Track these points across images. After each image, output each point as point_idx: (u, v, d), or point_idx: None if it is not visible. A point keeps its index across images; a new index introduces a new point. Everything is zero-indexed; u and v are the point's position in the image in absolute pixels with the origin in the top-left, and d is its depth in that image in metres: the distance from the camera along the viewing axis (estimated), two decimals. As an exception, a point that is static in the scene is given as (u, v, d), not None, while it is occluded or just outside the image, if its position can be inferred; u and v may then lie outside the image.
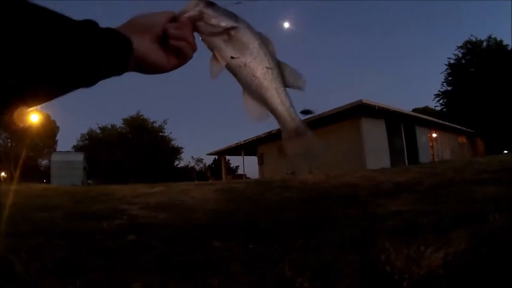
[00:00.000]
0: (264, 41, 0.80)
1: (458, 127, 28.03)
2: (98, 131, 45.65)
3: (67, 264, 3.38)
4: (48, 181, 30.30)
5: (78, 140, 46.71)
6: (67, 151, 39.71)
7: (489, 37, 38.98)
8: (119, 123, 45.85)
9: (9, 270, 2.93)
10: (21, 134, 41.11)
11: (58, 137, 50.33)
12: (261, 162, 27.71)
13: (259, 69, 0.78)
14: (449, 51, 62.77)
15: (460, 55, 40.83)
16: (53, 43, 0.54)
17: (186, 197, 9.00)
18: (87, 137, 45.89)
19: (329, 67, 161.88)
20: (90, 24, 0.62)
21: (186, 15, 0.75)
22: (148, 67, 0.72)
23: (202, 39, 0.78)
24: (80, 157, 33.55)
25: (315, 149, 0.87)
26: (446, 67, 41.87)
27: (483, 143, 33.34)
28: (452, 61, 41.42)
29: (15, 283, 2.76)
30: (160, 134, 46.07)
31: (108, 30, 0.65)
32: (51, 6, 0.57)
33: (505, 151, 26.99)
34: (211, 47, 0.78)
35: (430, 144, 25.35)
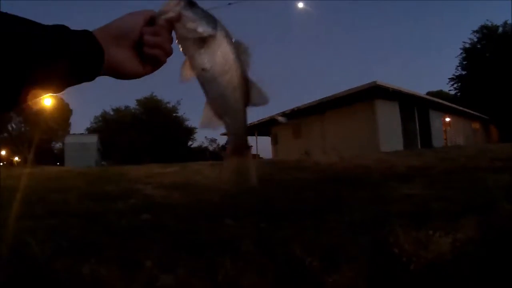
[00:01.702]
0: (241, 50, 0.77)
1: (472, 112, 27.58)
2: (112, 112, 45.95)
3: (82, 243, 3.46)
4: (62, 164, 30.69)
5: (91, 122, 47.07)
6: (80, 134, 40.14)
7: (505, 22, 37.91)
8: (132, 104, 46.03)
9: (26, 250, 3.02)
10: (34, 117, 41.44)
11: (71, 120, 50.73)
12: (274, 143, 27.58)
13: (228, 87, 0.75)
14: (465, 35, 61.55)
15: (476, 39, 39.91)
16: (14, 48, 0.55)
17: (200, 176, 9.06)
18: (101, 119, 46.19)
19: (344, 50, 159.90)
20: (60, 30, 0.62)
21: (164, 16, 0.73)
22: (121, 75, 0.73)
23: (177, 42, 0.75)
24: (94, 139, 33.93)
25: (250, 168, 0.86)
26: (461, 51, 41.07)
27: (497, 130, 32.81)
28: (467, 46, 40.52)
29: (32, 262, 2.83)
30: (174, 114, 46.09)
31: (82, 35, 0.65)
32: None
33: (519, 139, 26.51)
34: (185, 52, 0.75)
35: (444, 129, 25.03)
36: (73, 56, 0.62)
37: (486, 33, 38.97)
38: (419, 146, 20.27)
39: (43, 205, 5.60)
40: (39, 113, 40.15)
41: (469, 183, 5.46)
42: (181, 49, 0.74)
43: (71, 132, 46.96)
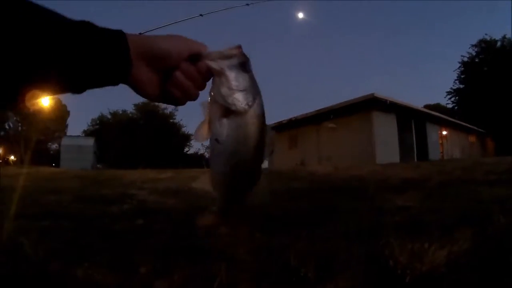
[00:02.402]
0: (267, 138, 0.71)
1: (469, 126, 27.81)
2: (109, 116, 45.99)
3: (75, 246, 3.44)
4: (58, 165, 30.64)
5: (88, 125, 47.08)
6: (77, 136, 40.09)
7: (504, 37, 38.40)
8: (130, 108, 46.11)
9: (19, 251, 3.00)
10: (31, 117, 41.38)
11: (68, 122, 50.70)
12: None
13: (234, 170, 0.69)
14: (464, 49, 62.02)
15: (474, 53, 40.34)
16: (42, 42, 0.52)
17: (195, 183, 8.98)
18: (98, 122, 46.23)
19: (343, 61, 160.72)
20: (88, 29, 0.59)
21: (209, 63, 0.67)
22: (137, 91, 0.68)
23: (208, 96, 0.69)
24: (90, 141, 33.97)
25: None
26: (460, 64, 41.40)
27: (493, 144, 33.03)
28: (465, 59, 40.97)
29: (25, 263, 2.82)
30: (171, 120, 46.21)
31: (113, 39, 0.61)
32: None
33: (515, 153, 26.66)
34: (208, 111, 0.68)
35: (440, 142, 25.21)
36: (96, 61, 0.59)
37: (485, 47, 39.35)
38: (416, 159, 20.41)
39: (37, 206, 5.58)
40: (37, 113, 40.10)
41: (464, 196, 5.46)
42: (206, 106, 0.69)
43: (68, 133, 46.96)
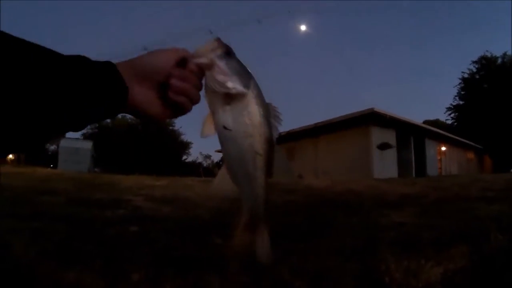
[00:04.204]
0: (271, 114, 0.71)
1: (467, 142, 27.86)
2: (108, 120, 46.04)
3: (67, 249, 3.41)
4: (56, 166, 30.58)
5: (87, 128, 47.03)
6: (76, 138, 40.03)
7: (504, 53, 38.53)
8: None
9: (9, 251, 2.97)
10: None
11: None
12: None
13: (249, 151, 0.69)
14: (464, 65, 62.44)
15: (475, 70, 40.43)
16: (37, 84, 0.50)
17: (191, 192, 9.00)
18: (97, 125, 46.20)
19: (342, 76, 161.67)
20: (83, 64, 0.58)
21: (196, 60, 0.68)
22: (141, 116, 0.68)
23: (205, 91, 0.69)
24: (88, 145, 33.88)
25: (264, 245, 0.76)
26: (460, 81, 41.53)
27: (491, 161, 33.09)
28: (466, 75, 41.02)
29: (14, 264, 2.79)
30: (170, 127, 46.27)
31: (105, 69, 0.60)
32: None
33: (513, 170, 26.72)
34: (209, 105, 0.69)
35: (439, 158, 25.24)
36: (95, 94, 0.58)
37: (485, 63, 39.45)
38: (414, 175, 20.39)
39: (30, 206, 5.53)
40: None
41: (461, 213, 5.45)
42: (206, 100, 0.69)
43: (67, 136, 46.91)
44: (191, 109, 0.71)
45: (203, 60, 0.67)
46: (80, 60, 0.58)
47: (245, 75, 0.69)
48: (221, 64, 0.67)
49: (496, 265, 2.73)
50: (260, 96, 0.70)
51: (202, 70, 0.68)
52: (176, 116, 0.72)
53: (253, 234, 0.75)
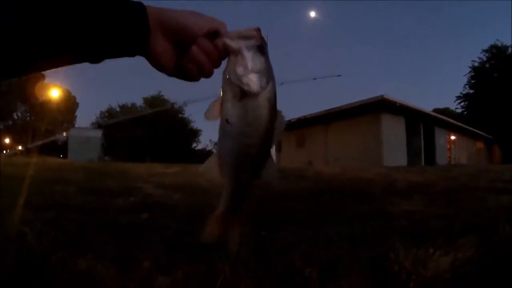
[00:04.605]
0: (278, 121, 0.70)
1: (477, 131, 27.58)
2: (118, 109, 46.10)
3: (79, 238, 3.45)
4: (65, 156, 30.78)
5: (97, 117, 47.20)
6: (85, 127, 40.21)
7: (515, 43, 37.93)
8: (139, 102, 46.21)
9: (23, 241, 3.01)
10: (40, 108, 41.63)
11: (77, 113, 51.02)
12: (278, 150, 27.69)
13: (242, 152, 0.68)
14: (475, 53, 61.44)
15: (485, 58, 39.89)
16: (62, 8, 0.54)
17: (201, 179, 9.01)
18: (107, 114, 46.35)
19: (354, 63, 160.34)
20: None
21: (226, 41, 0.67)
22: (152, 62, 0.68)
23: (222, 74, 0.68)
24: (98, 133, 34.05)
25: (233, 240, 0.78)
26: (470, 69, 41.03)
27: (500, 151, 32.75)
28: (476, 64, 40.53)
29: (28, 254, 2.83)
30: (180, 115, 46.17)
31: (134, 8, 0.62)
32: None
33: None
34: (222, 90, 0.68)
35: (448, 147, 25.05)
36: (115, 25, 0.60)
37: (495, 53, 38.88)
38: (423, 163, 20.28)
39: (42, 197, 5.60)
40: (45, 104, 40.34)
41: (470, 203, 5.44)
42: (221, 86, 0.68)
43: (76, 125, 47.19)
44: (197, 80, 0.71)
45: (232, 44, 0.66)
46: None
47: (265, 76, 0.67)
48: (247, 56, 0.66)
49: (504, 255, 2.73)
50: (271, 102, 0.68)
51: (227, 52, 0.68)
52: (182, 79, 0.72)
53: (223, 227, 0.75)
